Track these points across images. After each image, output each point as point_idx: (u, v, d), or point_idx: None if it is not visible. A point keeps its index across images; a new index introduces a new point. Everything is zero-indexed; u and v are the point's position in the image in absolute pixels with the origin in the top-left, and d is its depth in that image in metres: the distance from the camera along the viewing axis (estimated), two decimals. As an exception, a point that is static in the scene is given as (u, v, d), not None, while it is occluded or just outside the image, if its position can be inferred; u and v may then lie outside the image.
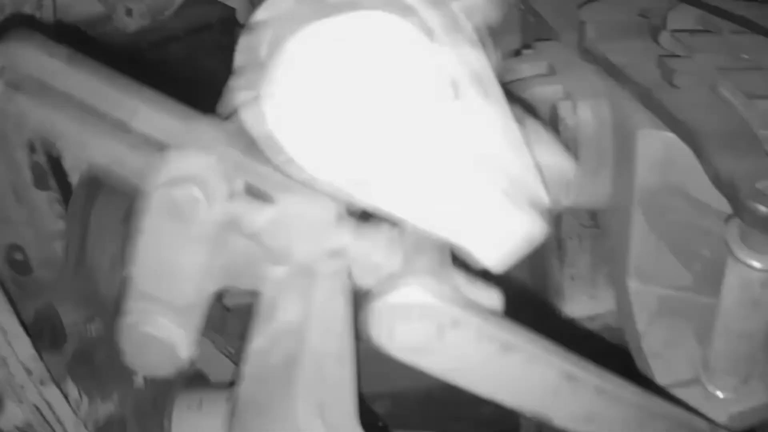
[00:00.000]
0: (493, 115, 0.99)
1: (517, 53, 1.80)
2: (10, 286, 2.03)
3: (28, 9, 2.12)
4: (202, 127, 1.01)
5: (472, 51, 1.02)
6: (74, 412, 2.07)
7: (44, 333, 2.06)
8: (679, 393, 1.46)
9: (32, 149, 2.05)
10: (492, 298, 1.05)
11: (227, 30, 2.79)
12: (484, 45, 1.06)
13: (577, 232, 2.04)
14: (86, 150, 1.06)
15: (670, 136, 1.43)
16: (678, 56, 1.55)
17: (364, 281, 1.05)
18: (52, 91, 1.06)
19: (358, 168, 0.96)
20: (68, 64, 1.05)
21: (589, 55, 1.70)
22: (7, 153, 2.01)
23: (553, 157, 1.12)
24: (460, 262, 1.05)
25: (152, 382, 2.08)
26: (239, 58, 0.97)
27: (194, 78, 2.50)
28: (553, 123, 1.59)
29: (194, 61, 2.60)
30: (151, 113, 1.02)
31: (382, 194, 0.98)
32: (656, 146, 1.47)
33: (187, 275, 1.04)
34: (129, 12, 2.43)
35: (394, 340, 0.96)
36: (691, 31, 1.64)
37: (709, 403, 1.44)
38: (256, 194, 1.03)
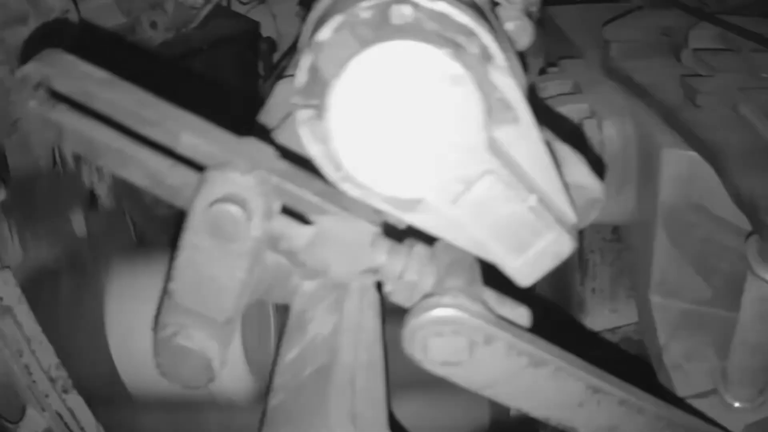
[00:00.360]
0: (531, 137, 1.02)
1: (542, 71, 1.84)
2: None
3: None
4: (241, 148, 1.03)
5: (521, 74, 1.06)
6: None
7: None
8: (698, 404, 1.50)
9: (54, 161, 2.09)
10: (521, 314, 1.07)
11: (251, 43, 2.82)
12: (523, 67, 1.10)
13: (599, 246, 2.07)
14: (125, 168, 1.07)
15: (693, 155, 1.47)
16: (700, 75, 1.59)
17: (399, 298, 1.07)
18: (89, 110, 1.07)
19: (408, 187, 0.99)
20: (106, 85, 1.06)
21: (613, 73, 1.75)
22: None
23: (581, 177, 1.15)
24: (489, 279, 1.08)
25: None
26: (300, 76, 0.98)
27: (218, 90, 2.54)
28: (578, 140, 1.63)
29: (217, 74, 2.63)
30: (191, 134, 1.03)
31: (426, 213, 1.01)
32: (680, 165, 1.51)
33: (227, 291, 1.06)
34: (154, 25, 2.45)
35: (427, 355, 0.99)
36: (713, 50, 1.67)
37: (726, 413, 1.48)
38: (293, 213, 1.06)
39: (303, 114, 0.99)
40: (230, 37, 2.72)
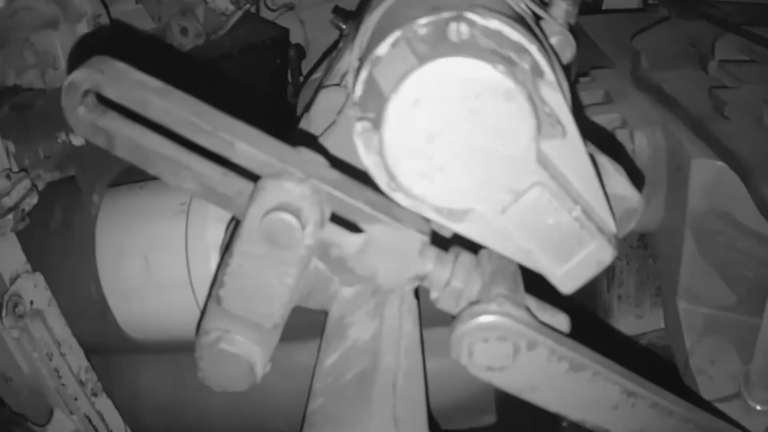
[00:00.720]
0: (576, 150, 1.05)
1: (574, 80, 1.86)
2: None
3: (85, 26, 2.18)
4: (294, 158, 1.05)
5: (567, 88, 1.09)
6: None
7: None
8: (722, 407, 1.54)
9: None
10: (560, 321, 1.10)
11: (280, 49, 2.84)
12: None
13: (625, 253, 2.10)
14: (177, 176, 1.08)
15: (721, 165, 1.50)
16: (727, 87, 1.62)
17: (445, 305, 1.09)
18: (139, 118, 1.07)
19: (460, 198, 1.02)
20: (160, 94, 1.06)
21: (643, 84, 1.78)
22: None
23: (620, 188, 1.18)
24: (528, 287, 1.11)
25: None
26: (357, 89, 1.01)
27: (247, 95, 2.55)
28: (615, 148, 1.66)
29: (246, 79, 2.64)
30: (246, 144, 1.04)
31: (475, 222, 1.05)
32: (708, 174, 1.54)
33: (276, 298, 1.08)
34: (184, 31, 2.46)
35: (473, 360, 1.02)
36: (738, 62, 1.71)
37: (748, 416, 1.51)
38: (340, 221, 1.08)
39: (359, 126, 1.02)
40: (259, 43, 2.75)
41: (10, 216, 1.79)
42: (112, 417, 2.08)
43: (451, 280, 1.08)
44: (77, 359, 1.99)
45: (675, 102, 1.66)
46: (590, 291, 2.28)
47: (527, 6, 1.19)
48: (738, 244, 1.56)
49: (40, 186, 1.92)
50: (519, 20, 1.04)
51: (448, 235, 1.16)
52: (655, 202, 1.72)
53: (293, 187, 1.01)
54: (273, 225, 1.01)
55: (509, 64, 0.96)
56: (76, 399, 1.98)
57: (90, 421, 2.02)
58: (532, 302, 1.08)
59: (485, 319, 1.00)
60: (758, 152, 1.44)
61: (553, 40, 1.22)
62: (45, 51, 2.13)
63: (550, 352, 1.02)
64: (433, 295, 1.10)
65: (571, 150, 1.04)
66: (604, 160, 1.18)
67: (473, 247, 1.12)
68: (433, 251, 1.08)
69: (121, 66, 1.07)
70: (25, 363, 1.91)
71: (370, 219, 1.05)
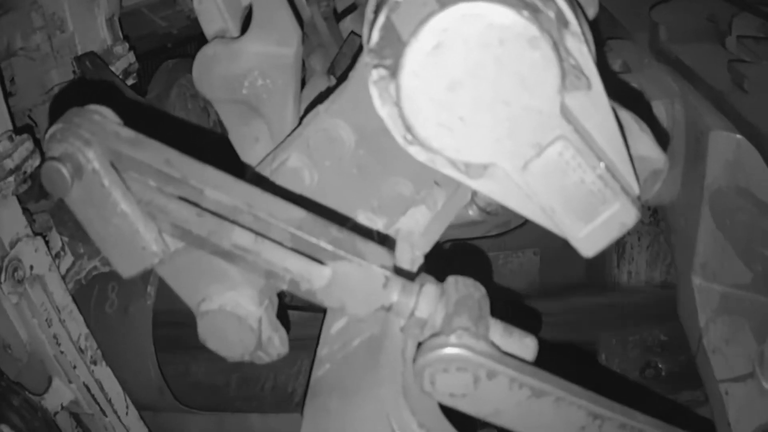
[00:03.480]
0: (601, 104, 1.10)
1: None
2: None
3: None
4: (259, 200, 1.14)
5: (591, 42, 1.12)
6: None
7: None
8: (735, 387, 1.69)
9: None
10: (527, 344, 1.19)
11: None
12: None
13: (636, 229, 2.24)
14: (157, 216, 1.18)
15: (740, 138, 1.61)
16: (746, 61, 1.72)
17: (410, 334, 1.19)
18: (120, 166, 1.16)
19: (480, 151, 1.09)
20: (133, 144, 1.16)
21: (661, 55, 1.89)
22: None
23: (644, 148, 1.26)
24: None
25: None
26: (375, 35, 1.07)
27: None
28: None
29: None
30: (215, 191, 1.13)
31: (495, 179, 1.12)
32: (727, 148, 1.65)
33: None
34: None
35: (435, 388, 1.12)
36: (756, 38, 1.81)
37: (762, 397, 1.66)
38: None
39: (375, 73, 1.08)
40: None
41: (12, 178, 1.95)
42: (112, 386, 2.27)
43: (415, 310, 1.16)
44: (77, 326, 2.17)
45: (694, 74, 1.76)
46: (599, 267, 2.45)
47: (550, -44, 1.20)
48: (756, 221, 1.69)
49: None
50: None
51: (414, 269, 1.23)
52: (673, 176, 1.83)
53: None
54: None
55: (534, 11, 1.01)
56: (75, 367, 2.17)
57: (89, 389, 2.21)
58: (498, 327, 1.18)
59: (444, 351, 1.10)
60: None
61: None
62: (52, 13, 2.28)
63: (511, 380, 1.12)
64: (400, 324, 1.18)
65: (595, 104, 1.10)
66: (627, 116, 1.24)
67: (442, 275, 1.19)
68: (398, 282, 1.16)
69: (96, 119, 1.17)
70: (24, 330, 2.09)
71: (334, 257, 1.14)
